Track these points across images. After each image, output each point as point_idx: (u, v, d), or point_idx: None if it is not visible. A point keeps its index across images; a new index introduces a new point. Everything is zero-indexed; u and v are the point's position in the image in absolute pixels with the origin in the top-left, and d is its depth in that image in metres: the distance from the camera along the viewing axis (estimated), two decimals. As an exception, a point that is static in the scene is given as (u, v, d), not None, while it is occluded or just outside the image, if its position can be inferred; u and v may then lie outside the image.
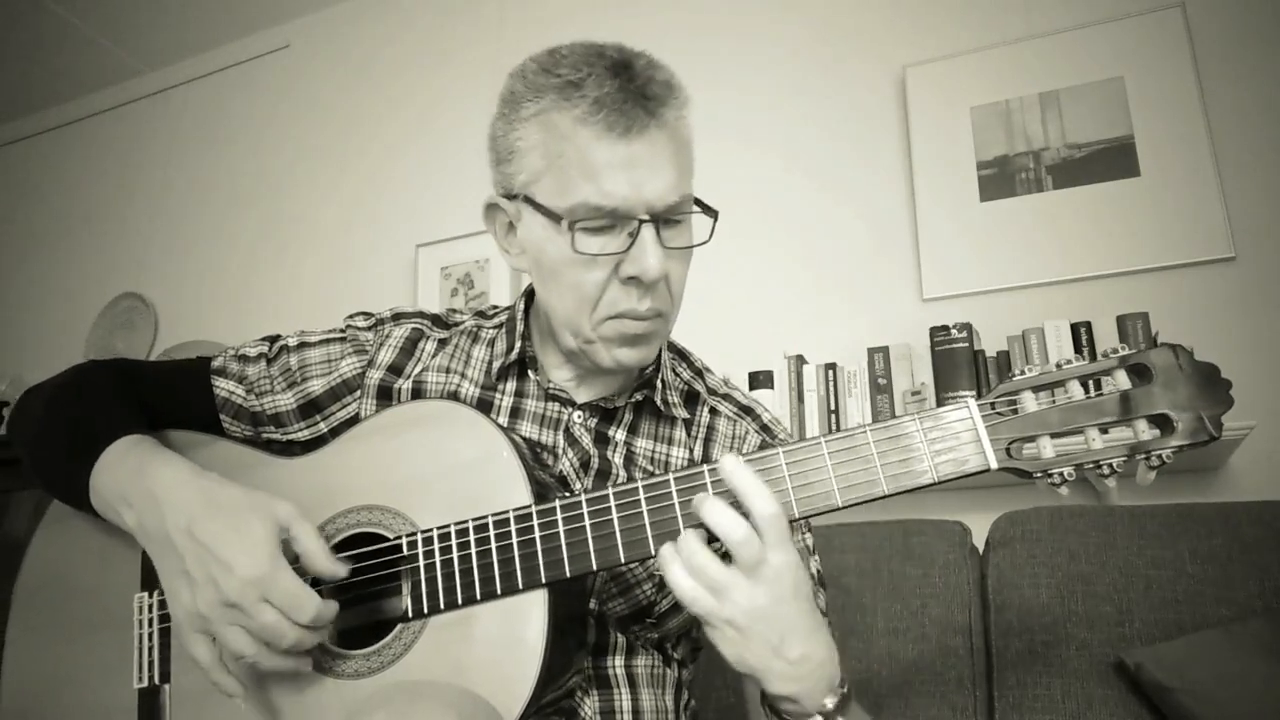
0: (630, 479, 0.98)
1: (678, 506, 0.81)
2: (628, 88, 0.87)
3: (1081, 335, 1.85)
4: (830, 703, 0.79)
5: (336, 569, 0.85)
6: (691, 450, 1.05)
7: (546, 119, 0.90)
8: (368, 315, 1.10)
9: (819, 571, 1.08)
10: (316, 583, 0.87)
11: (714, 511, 0.76)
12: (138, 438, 0.93)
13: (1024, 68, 2.20)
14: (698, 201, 0.94)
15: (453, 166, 2.80)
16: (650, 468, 1.02)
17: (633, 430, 1.04)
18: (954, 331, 1.94)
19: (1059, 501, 1.51)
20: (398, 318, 1.09)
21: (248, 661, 0.81)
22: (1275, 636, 1.18)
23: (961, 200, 2.18)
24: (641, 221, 0.88)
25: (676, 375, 1.10)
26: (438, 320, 1.10)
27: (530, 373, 1.04)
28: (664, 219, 0.90)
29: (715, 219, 0.94)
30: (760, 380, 2.07)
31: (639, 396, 1.03)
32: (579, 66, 0.89)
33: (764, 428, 1.08)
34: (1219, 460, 1.80)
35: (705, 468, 0.81)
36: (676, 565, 0.77)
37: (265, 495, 0.85)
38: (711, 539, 0.78)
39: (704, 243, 0.95)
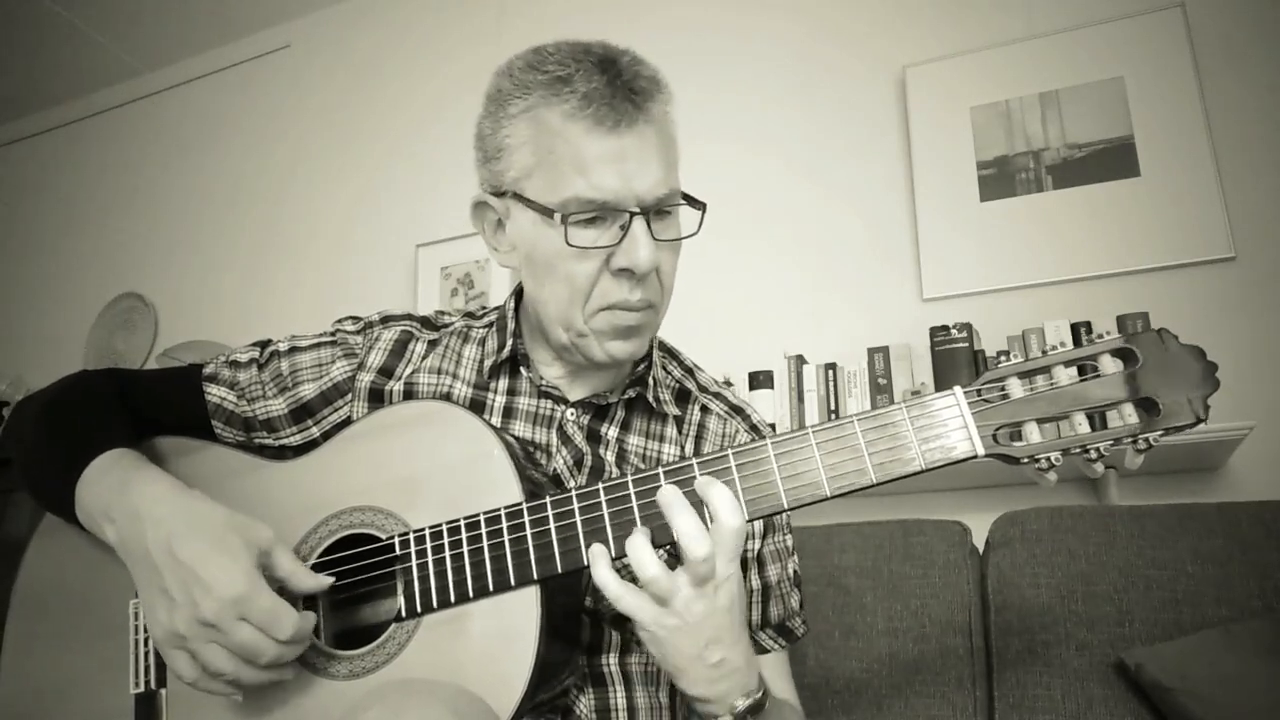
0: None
1: None
2: (615, 83, 0.88)
3: (1081, 335, 1.84)
4: (741, 704, 0.81)
5: (320, 582, 0.85)
6: (682, 447, 1.05)
7: (535, 115, 0.90)
8: (356, 319, 1.10)
9: (796, 571, 1.08)
10: (310, 600, 0.87)
11: (686, 524, 0.76)
12: (121, 452, 0.92)
13: (1024, 68, 2.20)
14: (685, 195, 0.94)
15: (453, 166, 2.80)
16: (642, 465, 1.02)
17: (625, 427, 1.04)
18: (954, 331, 1.94)
19: (1059, 501, 1.51)
20: (386, 320, 1.08)
21: (228, 678, 0.80)
22: (1275, 636, 1.18)
23: (961, 200, 2.17)
24: (632, 214, 0.89)
25: (667, 373, 1.10)
26: (426, 322, 1.09)
27: (522, 370, 1.04)
28: (654, 211, 0.91)
29: (703, 211, 0.95)
30: (760, 380, 2.07)
31: (631, 394, 1.03)
32: (565, 63, 0.90)
33: (753, 428, 1.09)
34: (1219, 460, 1.79)
35: (694, 461, 0.81)
36: (604, 564, 0.79)
37: (245, 517, 0.85)
38: (658, 543, 0.79)
39: (693, 234, 0.96)
